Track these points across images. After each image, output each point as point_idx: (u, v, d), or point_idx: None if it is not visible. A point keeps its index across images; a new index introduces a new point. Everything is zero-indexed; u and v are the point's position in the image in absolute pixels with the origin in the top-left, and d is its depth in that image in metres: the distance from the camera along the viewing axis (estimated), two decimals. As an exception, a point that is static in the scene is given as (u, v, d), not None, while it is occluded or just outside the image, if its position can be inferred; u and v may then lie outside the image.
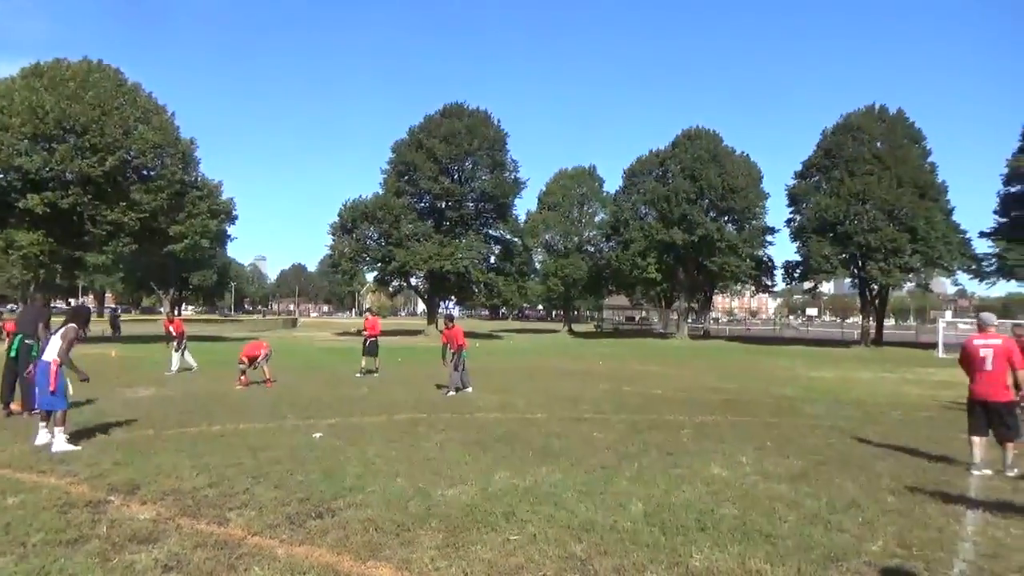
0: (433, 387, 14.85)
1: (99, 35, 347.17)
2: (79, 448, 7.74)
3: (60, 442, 7.74)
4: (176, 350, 17.65)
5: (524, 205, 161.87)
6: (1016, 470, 7.26)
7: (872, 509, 5.82)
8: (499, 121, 50.75)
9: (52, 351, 8.18)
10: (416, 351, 29.31)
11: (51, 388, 7.94)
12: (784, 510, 5.72)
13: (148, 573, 4.20)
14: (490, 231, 52.58)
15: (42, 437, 8.00)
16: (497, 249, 52.97)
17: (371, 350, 17.88)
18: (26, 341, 10.17)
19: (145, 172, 33.75)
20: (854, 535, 5.12)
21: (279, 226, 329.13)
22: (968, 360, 7.73)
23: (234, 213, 40.04)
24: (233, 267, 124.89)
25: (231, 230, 42.32)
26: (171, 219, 33.96)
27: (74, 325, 8.46)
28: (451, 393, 13.53)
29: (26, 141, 30.00)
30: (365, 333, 18.16)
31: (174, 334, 17.76)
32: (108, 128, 30.85)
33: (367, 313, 20.44)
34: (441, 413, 11.00)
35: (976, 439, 7.55)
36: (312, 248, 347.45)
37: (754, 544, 4.83)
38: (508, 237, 53.36)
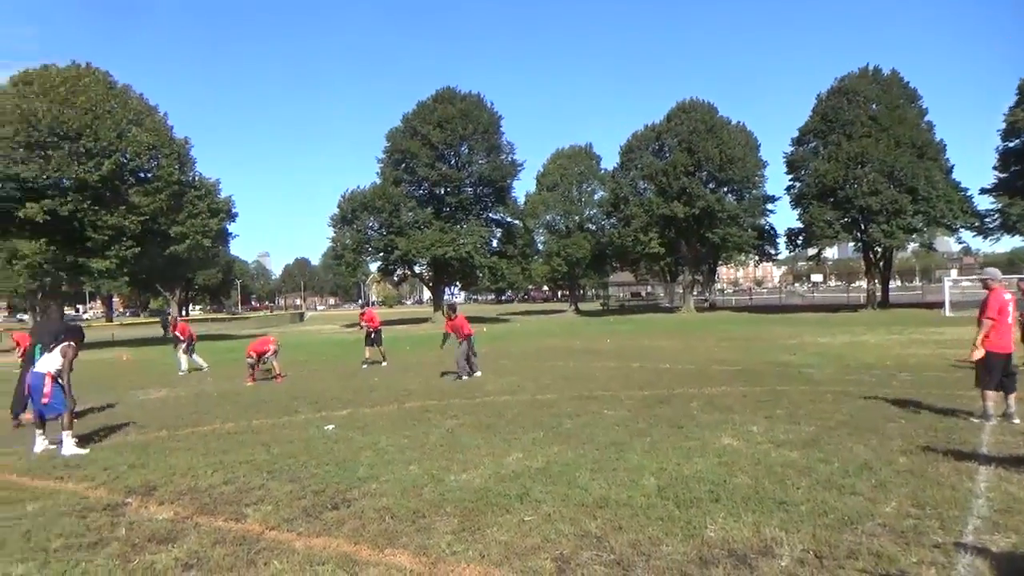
0: (441, 374, 14.88)
1: (86, 38, 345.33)
2: (87, 451, 7.82)
3: (69, 445, 7.81)
4: (185, 352, 17.74)
5: (523, 187, 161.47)
6: (1018, 419, 7.52)
7: (884, 471, 5.83)
8: (492, 104, 50.57)
9: (47, 364, 8.23)
10: (423, 339, 29.37)
11: (44, 400, 7.97)
12: (796, 477, 5.73)
13: (168, 572, 4.24)
14: (490, 215, 52.50)
15: (39, 444, 8.08)
16: (498, 232, 52.90)
17: (376, 340, 17.95)
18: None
19: (142, 174, 33.80)
20: (867, 498, 5.13)
21: (280, 222, 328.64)
22: (999, 312, 7.76)
23: (233, 211, 40.14)
24: (237, 265, 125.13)
25: (232, 228, 42.43)
26: (171, 220, 34.03)
27: (72, 343, 8.51)
28: (464, 377, 13.61)
29: (21, 150, 30.02)
30: (367, 327, 18.19)
31: (181, 338, 17.89)
32: (101, 132, 30.83)
33: (364, 307, 20.60)
34: (451, 399, 11.04)
35: (993, 393, 7.65)
36: (315, 241, 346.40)
37: (768, 512, 4.86)
38: (509, 220, 53.29)
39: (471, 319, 14.87)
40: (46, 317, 13.26)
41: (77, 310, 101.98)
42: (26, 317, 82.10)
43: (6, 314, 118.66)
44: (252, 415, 10.13)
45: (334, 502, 5.55)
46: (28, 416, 10.32)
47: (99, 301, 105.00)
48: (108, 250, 31.82)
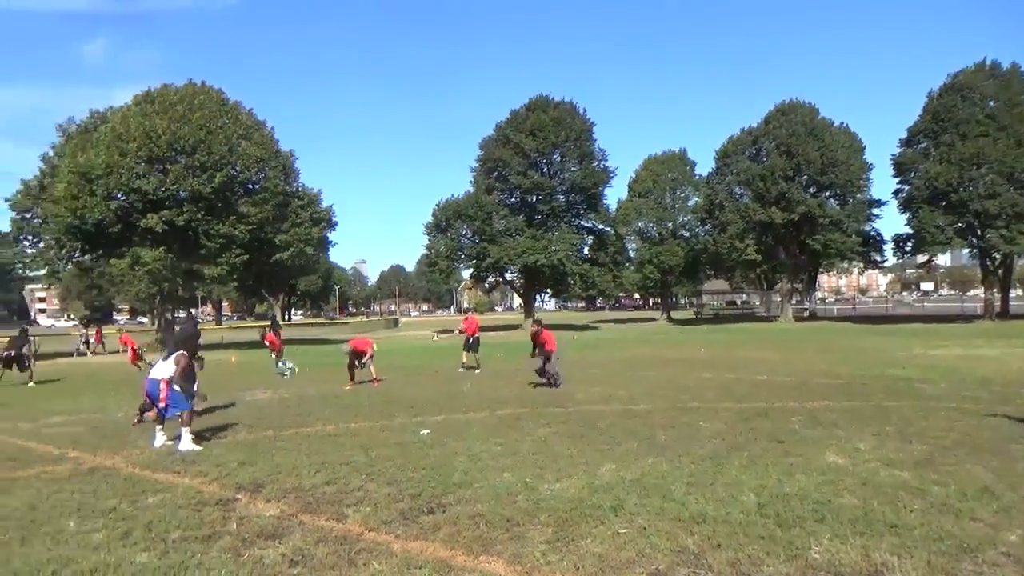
0: (533, 381, 14.91)
1: (197, 57, 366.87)
2: (201, 448, 8.28)
3: (186, 442, 8.30)
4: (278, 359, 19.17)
5: (615, 194, 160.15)
6: None
7: (1007, 496, 5.45)
8: (585, 110, 50.45)
9: (161, 371, 8.83)
10: (516, 346, 29.53)
11: (162, 404, 8.61)
12: (909, 499, 5.44)
13: (276, 567, 4.42)
14: (582, 222, 52.28)
15: (159, 439, 8.65)
16: (590, 239, 52.63)
17: (473, 347, 18.28)
18: None
19: (250, 185, 35.55)
20: (989, 524, 4.81)
21: (377, 229, 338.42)
22: None
23: (334, 219, 41.76)
24: (336, 272, 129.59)
25: (332, 236, 44.07)
26: (276, 229, 35.67)
27: (185, 352, 9.06)
28: (561, 378, 13.79)
29: (143, 164, 32.17)
30: (465, 332, 18.55)
31: (270, 347, 19.55)
32: (215, 146, 32.65)
33: (467, 312, 21.61)
34: (544, 407, 11.06)
35: None
36: (409, 249, 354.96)
37: (878, 535, 4.63)
38: (600, 227, 52.95)
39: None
40: (179, 324, 15.14)
41: (191, 314, 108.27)
42: (145, 320, 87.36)
43: (128, 317, 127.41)
44: (351, 418, 10.45)
45: (430, 506, 5.65)
46: (152, 414, 11.08)
47: (210, 305, 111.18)
48: (220, 257, 33.66)
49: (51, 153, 38.55)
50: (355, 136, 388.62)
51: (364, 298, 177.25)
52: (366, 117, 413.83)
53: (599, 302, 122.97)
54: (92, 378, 20.33)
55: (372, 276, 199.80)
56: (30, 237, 40.23)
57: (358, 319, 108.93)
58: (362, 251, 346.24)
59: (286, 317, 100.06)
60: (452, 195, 50.43)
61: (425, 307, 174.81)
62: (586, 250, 51.87)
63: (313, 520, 5.39)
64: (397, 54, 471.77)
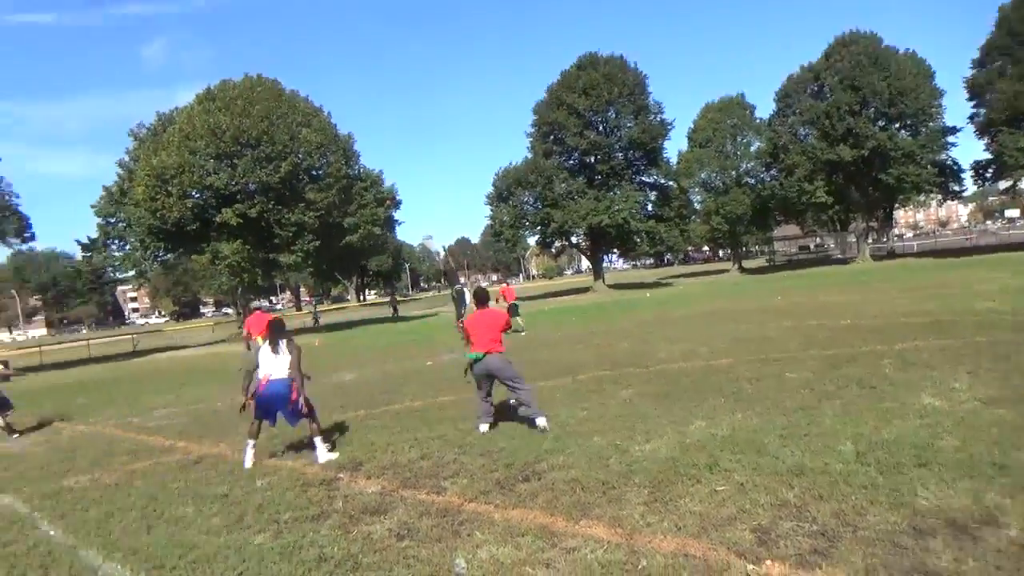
0: (615, 344, 14.88)
1: (249, 49, 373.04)
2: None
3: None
4: None
5: (674, 146, 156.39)
6: None
7: (1123, 429, 5.21)
8: (636, 64, 49.25)
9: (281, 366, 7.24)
10: (587, 309, 29.45)
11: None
12: (1014, 438, 5.25)
13: (384, 541, 4.63)
14: (643, 178, 51.44)
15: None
16: (653, 195, 51.78)
17: (513, 311, 20.03)
18: None
19: (314, 172, 36.27)
20: (1104, 460, 4.62)
21: (440, 204, 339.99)
22: None
23: (397, 198, 42.23)
24: (405, 249, 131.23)
25: (397, 215, 44.64)
26: (343, 212, 36.39)
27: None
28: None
29: (212, 160, 33.20)
30: (505, 300, 21.05)
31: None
32: (277, 136, 33.37)
33: (505, 284, 24.26)
34: (623, 369, 11.05)
35: None
36: (474, 220, 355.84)
37: (986, 477, 4.50)
38: (663, 182, 52.00)
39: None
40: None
41: (271, 301, 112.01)
42: (230, 311, 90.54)
43: (214, 310, 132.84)
44: (436, 393, 10.70)
45: (525, 474, 5.77)
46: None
47: (288, 292, 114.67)
48: (293, 245, 34.63)
49: (127, 158, 40.17)
50: (409, 115, 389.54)
51: (434, 273, 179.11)
52: (418, 94, 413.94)
53: (668, 258, 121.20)
54: (188, 371, 21.35)
55: (440, 250, 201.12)
56: (116, 241, 42.23)
57: (430, 294, 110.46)
58: (428, 227, 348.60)
59: (360, 298, 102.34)
60: (511, 163, 50.35)
61: (494, 276, 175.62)
62: (650, 206, 51.09)
63: (413, 494, 5.59)
64: (446, 27, 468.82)
